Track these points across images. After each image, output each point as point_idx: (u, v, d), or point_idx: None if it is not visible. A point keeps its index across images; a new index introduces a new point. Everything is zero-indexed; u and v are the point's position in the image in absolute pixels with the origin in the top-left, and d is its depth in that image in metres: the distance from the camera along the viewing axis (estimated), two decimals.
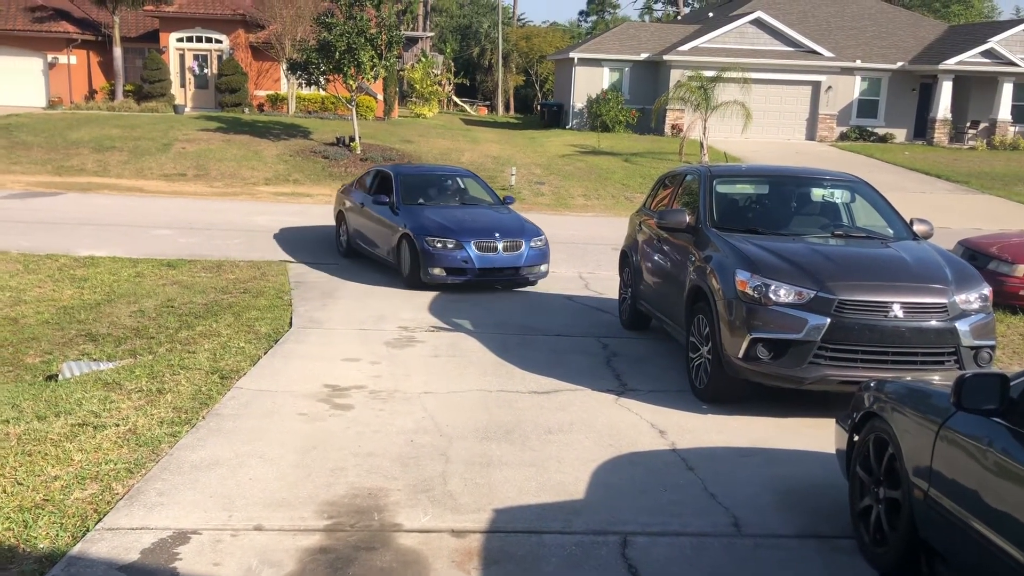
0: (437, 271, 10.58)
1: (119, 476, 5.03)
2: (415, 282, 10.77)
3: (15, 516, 4.51)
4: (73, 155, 23.54)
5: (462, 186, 13.01)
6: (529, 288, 11.41)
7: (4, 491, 4.79)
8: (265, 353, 7.63)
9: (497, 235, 10.83)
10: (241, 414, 6.08)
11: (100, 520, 4.51)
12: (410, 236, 10.76)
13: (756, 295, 6.06)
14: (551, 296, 11.01)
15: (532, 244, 11.00)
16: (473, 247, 10.60)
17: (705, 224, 6.95)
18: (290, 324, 8.83)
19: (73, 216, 15.97)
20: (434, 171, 14.31)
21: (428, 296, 10.53)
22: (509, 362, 7.68)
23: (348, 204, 13.15)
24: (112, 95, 31.73)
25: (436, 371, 7.39)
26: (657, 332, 8.91)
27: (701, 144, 26.19)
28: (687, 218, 7.08)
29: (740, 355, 6.10)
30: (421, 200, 11.98)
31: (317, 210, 17.87)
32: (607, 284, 11.74)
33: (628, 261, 9.01)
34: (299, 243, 14.19)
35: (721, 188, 7.26)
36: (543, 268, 11.22)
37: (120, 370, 7.39)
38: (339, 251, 13.44)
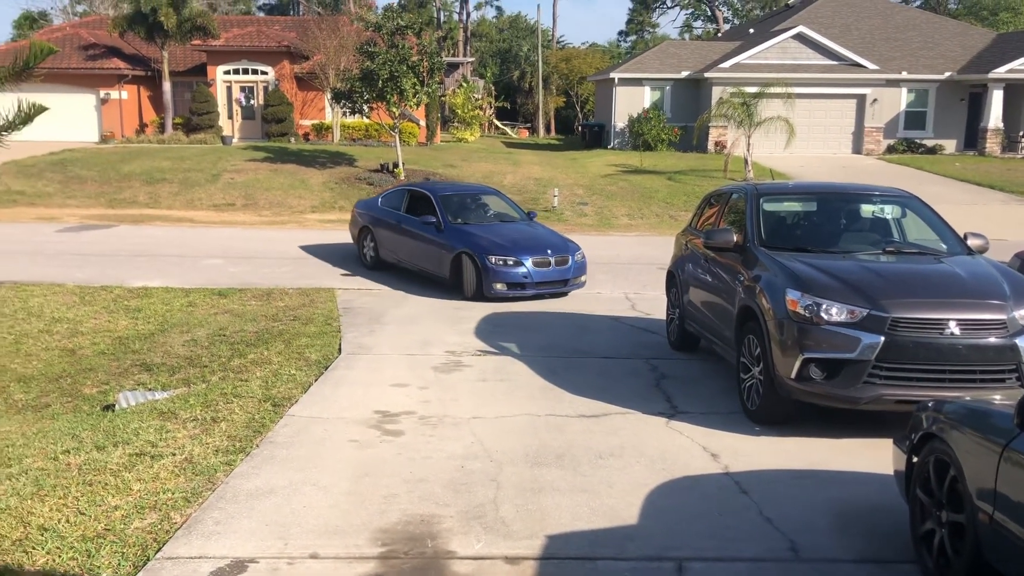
0: (499, 286, 11.63)
1: (177, 505, 5.11)
2: (478, 296, 11.74)
3: (79, 546, 4.60)
4: (125, 188, 24.14)
5: (491, 203, 13.99)
6: (574, 309, 11.41)
7: (67, 520, 4.89)
8: (316, 380, 7.72)
9: (549, 251, 12.01)
10: (294, 442, 6.16)
11: (160, 549, 4.59)
12: (471, 255, 11.78)
13: (807, 314, 5.98)
14: (597, 318, 10.98)
15: (576, 258, 12.26)
16: (530, 263, 11.72)
17: (753, 243, 6.90)
18: (339, 350, 8.92)
19: (126, 248, 16.35)
20: (466, 190, 14.92)
21: (472, 321, 10.58)
22: (557, 386, 7.67)
23: (375, 220, 14.00)
24: (162, 128, 32.53)
25: (484, 396, 7.41)
26: (706, 353, 8.83)
27: (745, 161, 25.99)
28: (734, 237, 7.03)
29: (793, 376, 6.02)
30: (460, 219, 12.89)
31: None
32: (654, 304, 11.69)
33: (675, 281, 8.97)
34: (347, 269, 14.35)
35: (768, 206, 7.20)
36: (583, 279, 12.44)
37: (175, 399, 7.53)
38: (364, 264, 14.32)
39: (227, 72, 33.20)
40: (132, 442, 6.15)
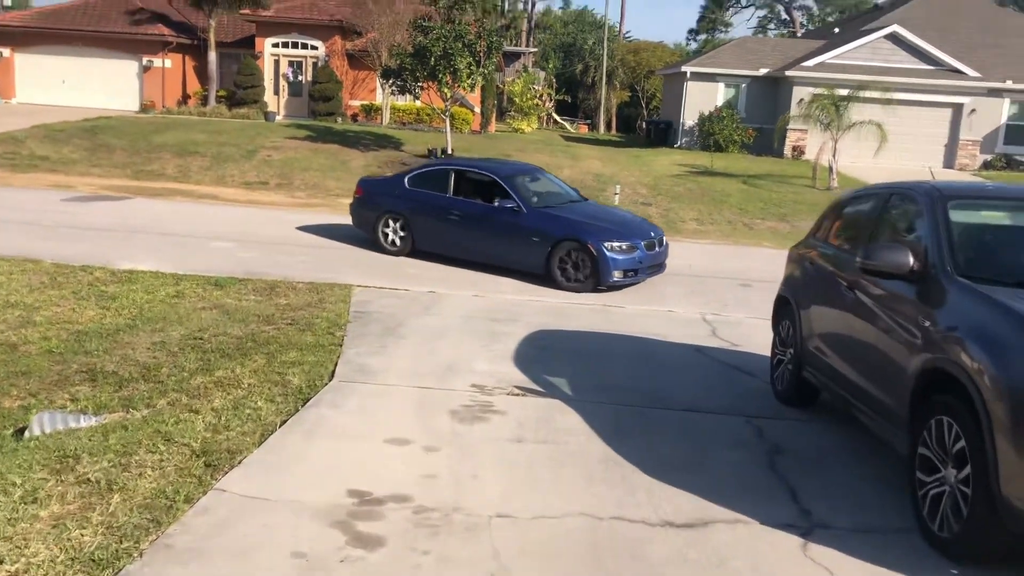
0: (617, 275, 10.94)
1: None
2: (586, 287, 10.98)
3: None
4: (155, 159, 22.43)
5: (546, 183, 13.02)
6: (642, 331, 9.11)
7: None
8: (283, 423, 5.52)
9: (652, 234, 11.59)
10: (203, 550, 3.89)
11: None
12: (578, 242, 10.95)
13: None
14: (672, 346, 8.66)
15: (664, 238, 11.98)
16: (644, 247, 11.16)
17: (944, 270, 4.49)
18: (332, 374, 6.74)
19: (131, 223, 14.45)
20: (520, 168, 13.33)
21: (513, 339, 8.35)
22: (626, 457, 5.30)
23: (407, 204, 12.55)
24: (205, 100, 30.87)
25: (518, 470, 5.09)
26: (829, 410, 6.46)
27: (830, 168, 23.37)
28: (910, 259, 4.65)
29: None
30: (537, 202, 11.96)
31: None
32: (740, 332, 9.34)
33: (789, 312, 6.60)
34: (373, 262, 12.22)
35: (959, 216, 4.79)
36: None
37: (96, 432, 5.46)
38: (389, 249, 12.70)
39: (276, 45, 31.41)
40: None
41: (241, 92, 30.34)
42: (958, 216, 4.80)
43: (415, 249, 12.49)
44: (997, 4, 39.03)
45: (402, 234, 12.55)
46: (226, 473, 4.62)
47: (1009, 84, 29.89)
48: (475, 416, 5.94)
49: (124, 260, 11.38)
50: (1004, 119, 30.63)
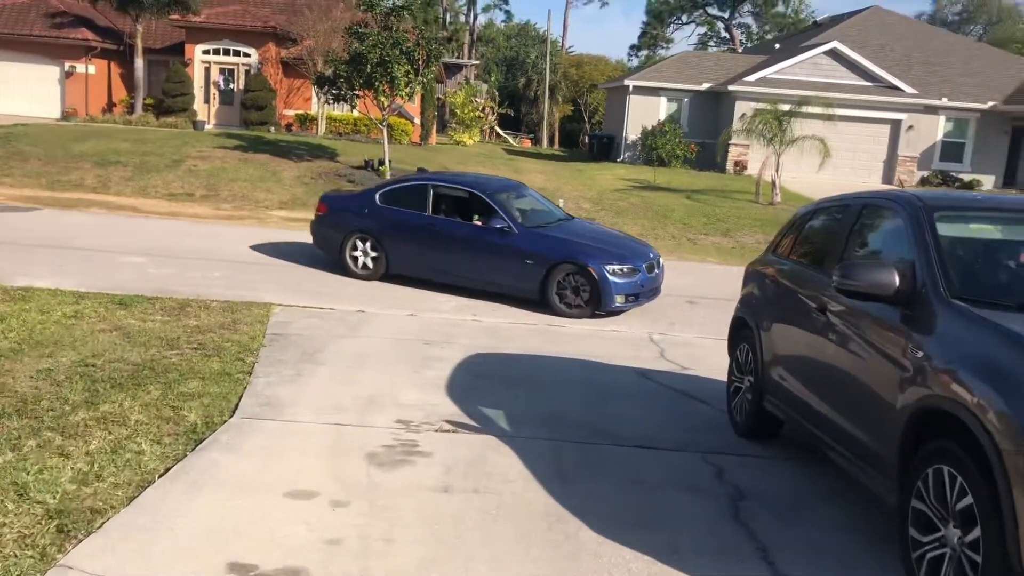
0: (619, 299, 10.25)
1: None
2: (584, 313, 10.22)
3: None
4: (73, 169, 21.13)
5: (533, 199, 12.25)
6: (586, 353, 8.45)
7: None
8: (167, 471, 4.68)
9: (651, 255, 10.94)
10: None
11: None
12: (578, 264, 10.19)
13: None
14: (617, 369, 8.00)
15: (661, 260, 11.33)
16: (645, 270, 10.51)
17: (936, 291, 3.86)
18: (235, 409, 5.89)
19: (37, 236, 13.32)
20: (504, 185, 12.39)
21: (447, 364, 7.59)
22: (570, 509, 4.52)
23: (378, 223, 11.46)
24: (131, 108, 29.50)
25: (442, 529, 4.29)
26: (795, 444, 5.84)
27: (773, 183, 23.15)
28: (896, 279, 4.03)
29: None
30: (525, 221, 11.09)
31: None
32: (690, 353, 8.74)
33: (747, 335, 5.97)
34: (297, 278, 11.36)
35: (947, 230, 4.20)
36: None
37: None
38: (359, 273, 11.54)
39: (207, 52, 30.22)
40: None
41: (169, 100, 29.06)
42: (946, 230, 4.20)
43: (388, 273, 11.43)
44: (930, 24, 39.71)
45: (374, 254, 11.42)
46: (79, 542, 3.75)
47: (944, 102, 30.24)
48: (396, 459, 5.14)
49: (20, 276, 10.33)
50: (940, 136, 30.97)
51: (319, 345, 8.01)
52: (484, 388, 6.92)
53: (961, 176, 30.53)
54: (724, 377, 6.71)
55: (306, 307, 9.83)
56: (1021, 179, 30.06)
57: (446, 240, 11.01)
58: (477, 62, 53.88)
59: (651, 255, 10.89)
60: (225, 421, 5.59)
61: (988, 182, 30.65)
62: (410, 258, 11.32)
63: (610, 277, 10.11)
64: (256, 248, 13.62)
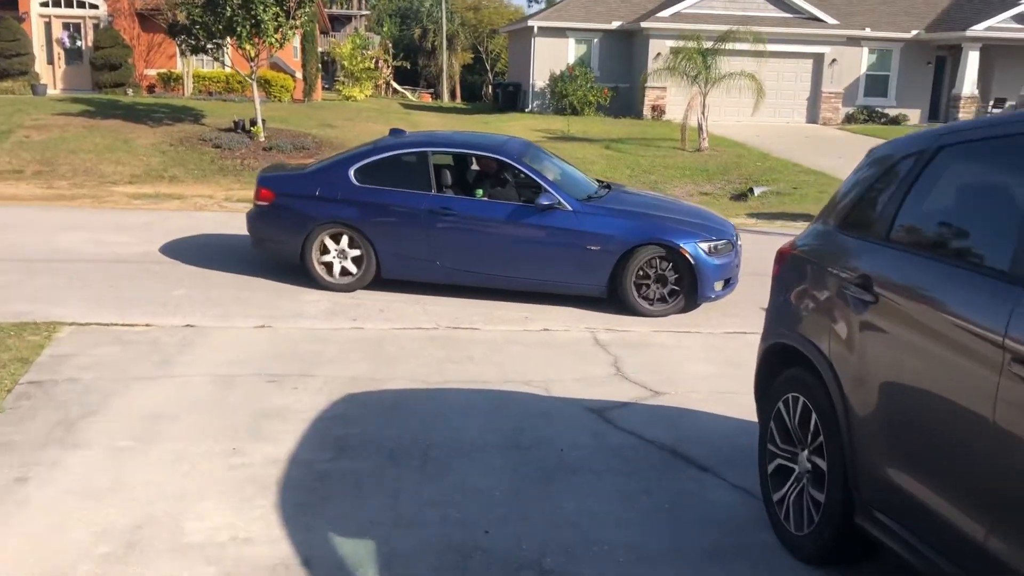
0: (718, 286, 8.11)
1: None
2: (688, 306, 8.07)
3: None
4: None
5: (551, 163, 9.14)
6: (511, 380, 5.81)
7: None
8: None
9: (732, 227, 8.74)
10: None
11: None
12: (665, 246, 7.86)
13: None
14: (560, 409, 5.38)
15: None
16: (739, 246, 8.42)
17: None
18: None
19: None
20: (523, 145, 9.21)
21: (295, 423, 4.88)
22: None
23: (360, 211, 8.25)
24: None
25: None
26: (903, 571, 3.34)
27: (700, 127, 20.83)
28: None
29: None
30: (573, 194, 8.35)
31: (179, 221, 12.05)
32: (652, 361, 6.25)
33: (804, 380, 3.35)
34: (110, 282, 8.36)
35: None
36: None
37: None
38: (336, 283, 8.33)
39: (45, 4, 26.03)
40: None
41: (4, 62, 24.91)
42: None
43: (379, 278, 8.37)
44: None
45: (355, 254, 8.29)
46: None
47: (868, 32, 28.42)
48: None
49: None
50: (863, 69, 29.22)
51: (97, 400, 5.13)
52: (346, 483, 4.18)
53: (887, 111, 28.92)
54: (717, 406, 4.20)
55: (111, 325, 6.91)
56: (949, 112, 28.58)
57: (468, 228, 8.19)
58: (367, 12, 50.08)
59: (732, 227, 8.71)
60: None
61: (914, 116, 29.13)
62: (412, 256, 8.30)
63: (708, 258, 7.93)
64: (74, 236, 10.48)
